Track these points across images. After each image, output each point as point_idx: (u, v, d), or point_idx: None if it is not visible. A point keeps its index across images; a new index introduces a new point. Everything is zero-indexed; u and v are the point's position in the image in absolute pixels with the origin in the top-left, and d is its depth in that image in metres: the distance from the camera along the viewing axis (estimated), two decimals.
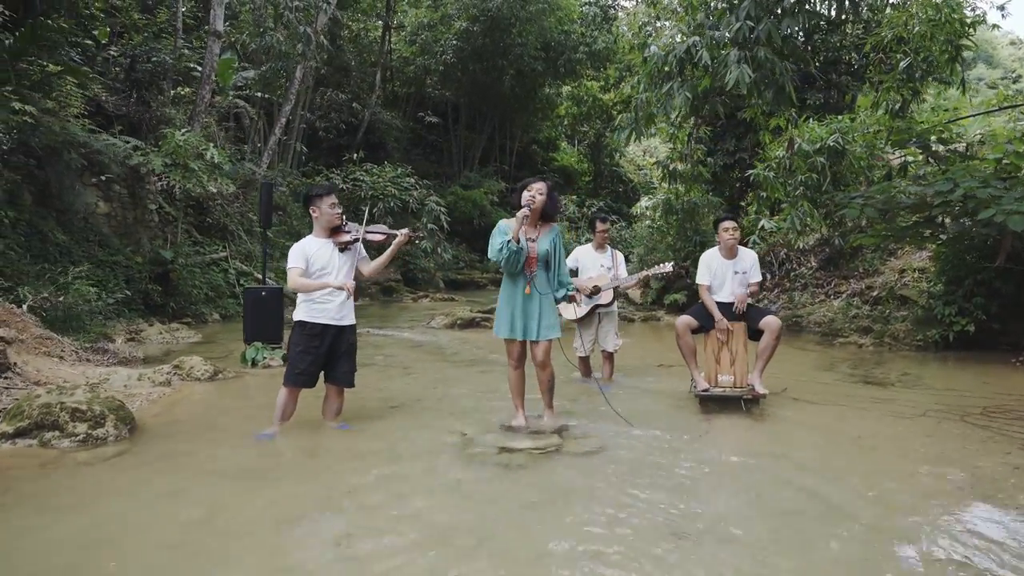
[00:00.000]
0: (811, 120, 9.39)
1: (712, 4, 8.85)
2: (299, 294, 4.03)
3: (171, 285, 9.52)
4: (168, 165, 9.70)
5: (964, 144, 8.62)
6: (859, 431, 4.10)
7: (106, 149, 9.28)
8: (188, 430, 4.13)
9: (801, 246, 10.63)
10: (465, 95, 24.79)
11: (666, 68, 8.69)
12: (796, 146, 8.86)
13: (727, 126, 12.87)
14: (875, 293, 8.73)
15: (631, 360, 6.68)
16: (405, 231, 4.17)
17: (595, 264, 5.65)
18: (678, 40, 8.74)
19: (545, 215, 4.01)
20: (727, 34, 8.10)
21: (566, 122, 29.18)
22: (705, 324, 4.83)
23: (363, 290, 14.71)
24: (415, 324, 10.55)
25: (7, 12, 7.81)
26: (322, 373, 4.06)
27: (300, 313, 4.00)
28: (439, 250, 17.68)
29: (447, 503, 2.93)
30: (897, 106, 8.76)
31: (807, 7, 9.25)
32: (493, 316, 4.42)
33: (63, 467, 3.42)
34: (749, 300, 4.83)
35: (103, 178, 9.20)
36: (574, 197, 23.31)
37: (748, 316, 4.79)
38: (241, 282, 11.03)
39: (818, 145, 8.69)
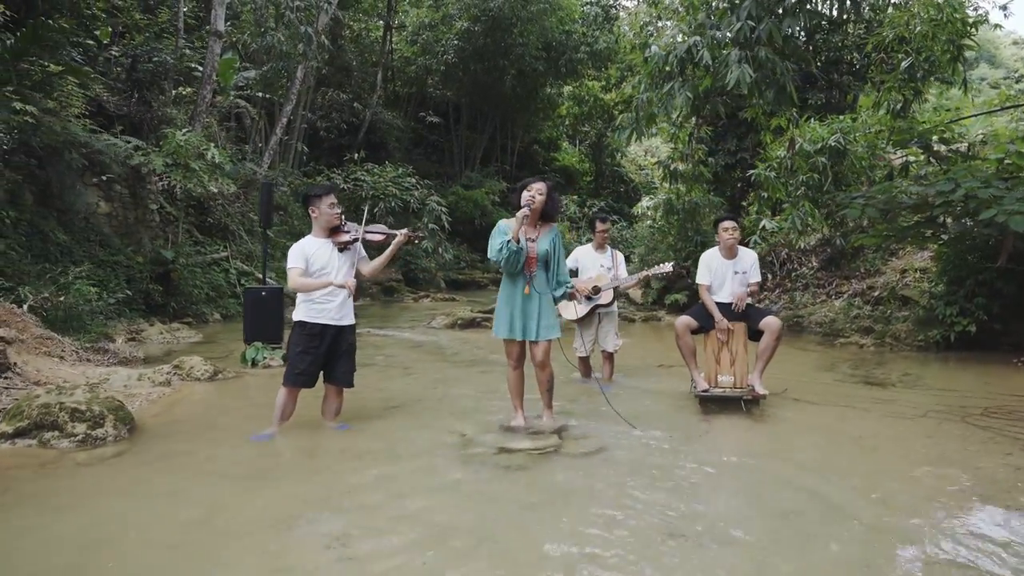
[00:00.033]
0: (812, 120, 9.38)
1: (713, 4, 8.85)
2: (298, 294, 4.03)
3: (172, 285, 9.53)
4: (169, 165, 9.71)
5: (966, 144, 8.61)
6: (860, 432, 4.10)
7: (107, 149, 9.30)
8: (187, 430, 4.13)
9: (802, 246, 10.62)
10: (466, 95, 24.79)
11: (667, 68, 8.68)
12: (797, 146, 8.85)
13: (728, 126, 12.85)
14: (876, 293, 8.72)
15: (632, 360, 6.67)
16: (404, 231, 4.18)
17: (595, 264, 5.64)
18: (679, 40, 8.73)
19: (545, 215, 4.01)
20: (728, 34, 8.09)
21: (567, 122, 29.16)
22: (705, 324, 4.82)
23: (364, 290, 14.71)
24: (416, 324, 10.55)
25: (8, 12, 7.82)
26: (321, 373, 4.07)
27: (299, 313, 4.00)
28: (440, 250, 17.68)
29: (446, 503, 2.93)
30: (899, 106, 8.75)
31: (808, 7, 9.25)
32: (493, 316, 4.42)
33: (62, 467, 3.42)
34: (749, 300, 4.82)
35: (104, 178, 9.21)
36: (575, 197, 23.30)
37: (748, 316, 4.78)
38: (242, 282, 11.03)
39: (819, 145, 8.68)
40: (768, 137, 9.83)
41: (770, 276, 10.58)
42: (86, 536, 2.61)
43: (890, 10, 10.94)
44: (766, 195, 9.67)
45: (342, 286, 3.92)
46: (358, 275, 4.14)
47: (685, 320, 4.87)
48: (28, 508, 2.87)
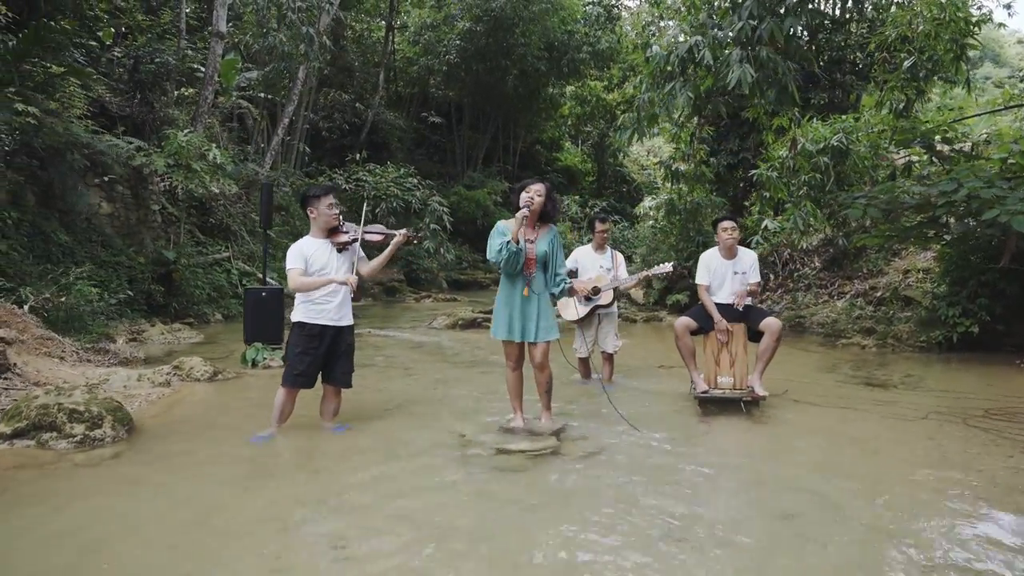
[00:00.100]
0: (815, 120, 9.35)
1: (715, 3, 8.83)
2: (297, 295, 4.03)
3: (173, 285, 9.55)
4: (171, 166, 9.73)
5: (969, 144, 8.57)
6: (861, 433, 4.08)
7: (109, 150, 9.31)
8: (187, 431, 4.13)
9: (804, 246, 10.59)
10: (468, 95, 24.79)
11: (669, 68, 8.67)
12: (799, 146, 8.82)
13: (730, 126, 12.82)
14: (879, 294, 8.69)
15: (632, 361, 6.66)
16: (403, 231, 4.17)
17: (595, 265, 5.61)
18: (680, 40, 8.72)
19: (544, 216, 4.00)
20: (730, 33, 8.07)
21: (569, 122, 29.15)
22: (704, 325, 4.80)
23: (366, 290, 14.72)
24: (417, 324, 10.55)
25: (11, 13, 7.84)
26: (320, 373, 4.06)
27: (298, 314, 4.00)
28: (442, 250, 17.67)
29: (444, 504, 2.92)
30: (901, 105, 8.73)
31: (810, 6, 9.22)
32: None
33: (61, 468, 3.42)
34: (749, 300, 4.79)
35: (106, 179, 9.23)
36: (577, 197, 23.26)
37: (748, 317, 4.76)
38: (244, 282, 11.04)
39: (822, 145, 8.65)
40: (770, 137, 9.80)
41: (772, 276, 10.56)
42: (84, 536, 2.61)
43: (893, 9, 10.88)
44: (768, 195, 9.64)
45: (344, 282, 3.92)
46: (357, 275, 4.14)
47: (684, 321, 4.85)
48: (27, 508, 2.88)
